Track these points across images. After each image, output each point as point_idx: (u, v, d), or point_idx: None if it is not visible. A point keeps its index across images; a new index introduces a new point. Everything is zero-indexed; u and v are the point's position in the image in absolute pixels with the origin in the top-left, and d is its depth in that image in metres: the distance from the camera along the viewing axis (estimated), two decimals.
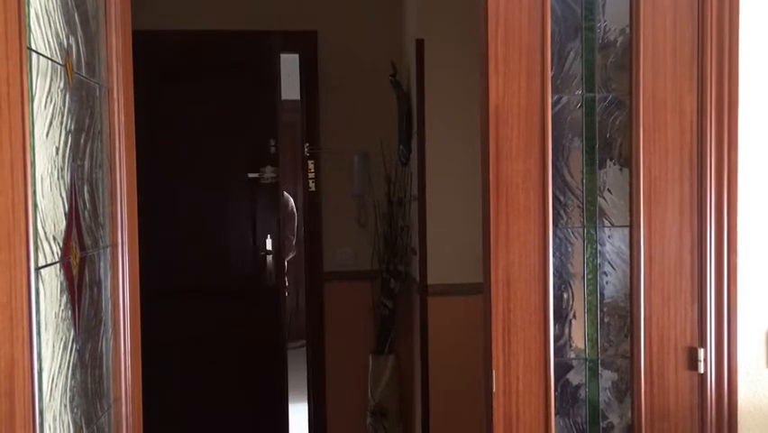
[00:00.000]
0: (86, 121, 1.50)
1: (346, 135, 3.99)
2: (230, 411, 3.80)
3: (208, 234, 3.81)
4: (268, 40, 3.74)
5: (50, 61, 1.29)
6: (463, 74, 3.08)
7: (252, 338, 3.80)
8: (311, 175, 3.97)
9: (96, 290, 1.53)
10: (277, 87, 3.79)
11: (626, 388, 1.89)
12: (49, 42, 1.29)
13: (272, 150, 3.76)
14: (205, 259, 3.79)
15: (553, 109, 1.84)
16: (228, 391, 3.79)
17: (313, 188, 3.99)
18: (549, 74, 1.83)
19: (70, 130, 1.39)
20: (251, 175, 3.77)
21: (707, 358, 1.85)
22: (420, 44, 3.34)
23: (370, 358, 3.88)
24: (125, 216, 1.66)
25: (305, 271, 4.10)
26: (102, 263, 1.57)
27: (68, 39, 1.39)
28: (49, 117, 1.29)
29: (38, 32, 1.24)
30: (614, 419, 1.90)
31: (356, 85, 3.99)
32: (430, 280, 3.38)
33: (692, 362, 1.86)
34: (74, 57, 1.42)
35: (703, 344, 1.85)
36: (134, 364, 1.68)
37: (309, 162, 3.91)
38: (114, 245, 1.64)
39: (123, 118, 1.65)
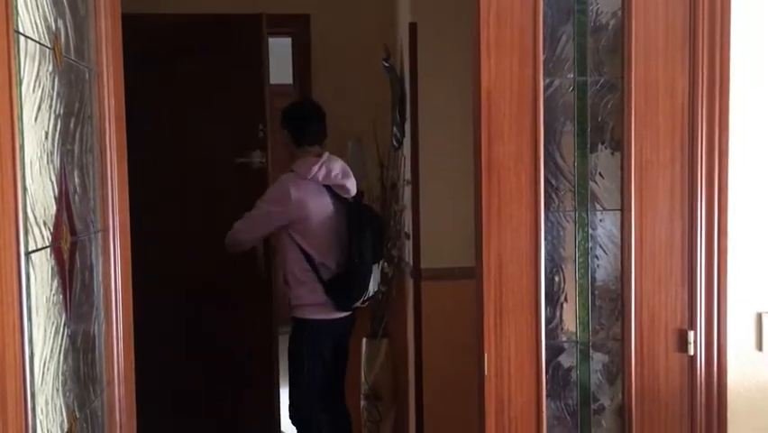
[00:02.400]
0: (76, 105, 1.49)
1: (339, 120, 3.98)
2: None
3: (195, 221, 3.68)
4: (257, 22, 3.64)
5: (38, 45, 1.28)
6: (456, 58, 3.07)
7: (243, 325, 3.75)
8: None
9: (87, 274, 1.53)
10: (264, 71, 3.62)
11: (617, 370, 1.91)
12: (36, 26, 1.28)
13: (260, 134, 3.61)
14: (190, 248, 3.64)
15: (544, 93, 1.84)
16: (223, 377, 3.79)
17: None
18: (541, 57, 1.82)
19: (59, 114, 1.38)
20: (239, 160, 3.67)
21: (697, 340, 1.87)
22: (413, 28, 3.33)
23: (364, 342, 3.90)
24: (116, 200, 1.65)
25: None
26: (93, 248, 1.57)
27: (56, 22, 1.38)
28: (37, 101, 1.28)
29: (25, 15, 1.23)
30: (605, 400, 1.92)
31: (349, 69, 3.97)
32: (423, 265, 3.38)
33: (682, 344, 1.87)
34: (62, 40, 1.41)
35: (693, 326, 1.87)
36: (127, 348, 1.68)
37: None
38: (106, 230, 1.64)
39: (113, 102, 1.65)
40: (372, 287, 3.30)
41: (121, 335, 1.66)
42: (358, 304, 3.29)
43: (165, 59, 3.58)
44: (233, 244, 3.24)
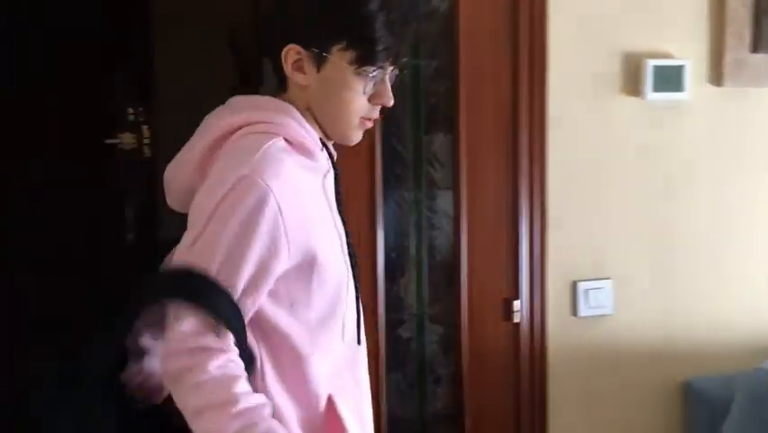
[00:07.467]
0: None
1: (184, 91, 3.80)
2: None
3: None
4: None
5: None
6: None
7: None
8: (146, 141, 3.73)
9: None
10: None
11: (451, 340, 2.02)
12: None
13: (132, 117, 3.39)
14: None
15: None
16: None
17: (149, 155, 3.77)
18: None
19: None
20: (108, 141, 3.43)
21: (521, 309, 2.01)
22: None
23: None
24: None
25: None
26: None
27: None
28: None
29: None
30: (441, 370, 2.03)
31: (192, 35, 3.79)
32: None
33: (508, 312, 2.01)
34: None
35: (518, 296, 2.01)
36: None
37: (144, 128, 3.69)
38: None
39: None
40: None
41: None
42: None
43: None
44: None
